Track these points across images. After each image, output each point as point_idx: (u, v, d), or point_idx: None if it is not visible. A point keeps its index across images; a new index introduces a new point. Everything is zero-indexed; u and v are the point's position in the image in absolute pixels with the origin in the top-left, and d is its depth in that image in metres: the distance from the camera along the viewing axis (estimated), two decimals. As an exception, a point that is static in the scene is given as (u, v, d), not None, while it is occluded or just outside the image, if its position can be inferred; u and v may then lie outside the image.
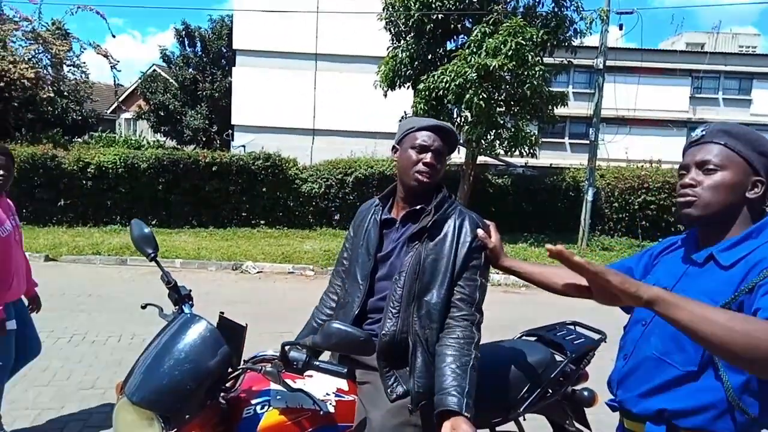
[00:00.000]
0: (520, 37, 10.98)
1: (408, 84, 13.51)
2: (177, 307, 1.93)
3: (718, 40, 30.53)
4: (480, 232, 1.91)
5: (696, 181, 1.43)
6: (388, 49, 13.58)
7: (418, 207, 1.93)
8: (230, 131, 21.79)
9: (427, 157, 1.90)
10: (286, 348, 1.66)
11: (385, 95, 13.67)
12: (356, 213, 2.16)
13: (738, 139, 1.40)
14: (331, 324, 1.58)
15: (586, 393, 2.19)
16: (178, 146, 23.21)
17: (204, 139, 24.17)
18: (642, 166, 14.53)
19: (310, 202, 13.66)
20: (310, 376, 1.84)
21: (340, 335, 1.56)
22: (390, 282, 1.90)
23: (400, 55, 12.88)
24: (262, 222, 13.47)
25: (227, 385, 1.76)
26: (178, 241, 10.90)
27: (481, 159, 13.74)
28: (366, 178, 13.44)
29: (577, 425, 2.30)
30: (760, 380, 1.30)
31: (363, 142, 17.31)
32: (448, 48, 13.54)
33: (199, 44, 24.88)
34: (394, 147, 2.02)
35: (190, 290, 1.98)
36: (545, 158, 16.44)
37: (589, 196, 12.66)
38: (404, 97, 15.17)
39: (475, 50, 11.46)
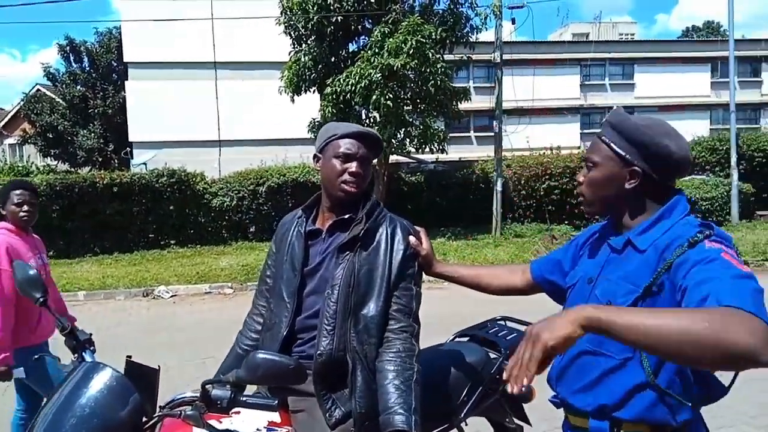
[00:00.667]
0: (420, 35, 11.13)
1: (314, 88, 13.36)
2: (76, 354, 1.72)
3: (601, 29, 32.54)
4: (412, 239, 1.84)
5: (581, 179, 1.51)
6: (290, 53, 13.36)
7: (346, 216, 1.83)
8: (128, 149, 20.66)
9: (353, 166, 1.79)
10: (207, 387, 1.50)
11: (292, 101, 13.44)
12: (278, 227, 2.02)
13: (616, 131, 1.42)
14: (255, 355, 1.44)
15: (523, 388, 2.17)
16: (72, 169, 21.76)
17: (100, 159, 22.77)
18: (543, 153, 15.21)
19: (223, 216, 13.20)
20: (237, 412, 1.68)
21: (266, 366, 1.42)
22: (319, 297, 1.79)
23: (303, 59, 12.71)
24: (173, 242, 12.86)
25: (144, 436, 1.57)
26: (80, 272, 10.15)
27: (393, 158, 13.83)
28: (279, 187, 13.16)
29: (517, 421, 2.28)
30: None
31: (273, 150, 16.94)
32: (350, 50, 13.53)
33: (86, 59, 23.40)
34: (315, 156, 1.91)
35: (91, 334, 1.77)
36: (454, 153, 16.78)
37: (499, 187, 13.06)
38: (312, 102, 15.00)
39: (377, 51, 11.52)
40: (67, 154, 23.08)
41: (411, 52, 11.07)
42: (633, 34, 35.32)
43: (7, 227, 2.93)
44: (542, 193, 14.27)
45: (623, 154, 1.41)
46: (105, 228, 12.15)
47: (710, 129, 24.79)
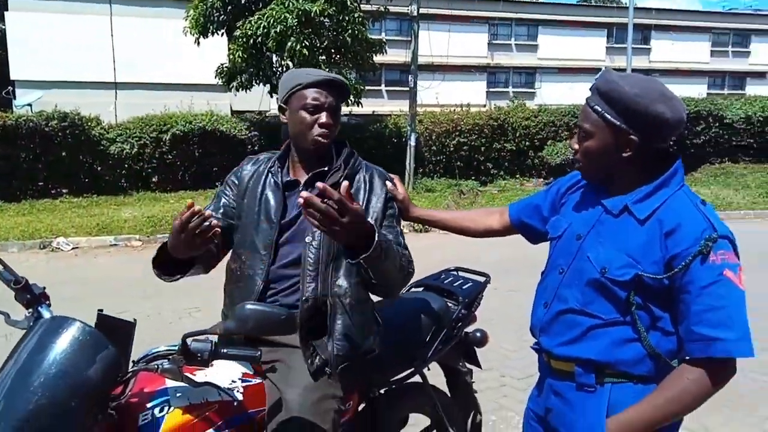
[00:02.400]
0: (338, -18, 10.80)
1: (222, 31, 12.64)
2: (30, 310, 1.57)
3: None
4: (389, 185, 1.85)
5: (576, 147, 1.51)
6: (196, -9, 12.48)
7: (325, 168, 1.78)
8: (10, 88, 18.59)
9: (323, 117, 1.73)
10: (187, 340, 1.43)
11: (197, 43, 12.65)
12: (239, 168, 1.91)
13: (606, 99, 1.40)
14: (245, 306, 1.39)
15: (478, 334, 2.27)
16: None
17: (-26, 98, 20.41)
18: (454, 110, 15.50)
19: (122, 164, 12.34)
20: (211, 365, 1.62)
21: (258, 317, 1.37)
22: (294, 246, 1.75)
23: (210, -1, 11.93)
24: (65, 191, 11.90)
25: (116, 391, 1.48)
26: (-39, 222, 9.20)
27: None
28: (185, 135, 12.47)
29: (468, 365, 2.38)
30: (673, 323, 1.41)
31: (177, 95, 15.90)
32: (262, -9, 12.87)
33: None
34: (280, 107, 1.82)
35: (44, 288, 1.62)
36: (366, 106, 16.69)
37: (412, 141, 13.19)
38: (219, 46, 14.20)
39: (292, -6, 11.04)
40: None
41: (328, -2, 10.74)
42: (538, -4, 36.30)
43: None
44: (452, 149, 14.60)
45: (617, 124, 1.39)
46: (-14, 175, 11.02)
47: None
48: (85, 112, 12.18)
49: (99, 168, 12.16)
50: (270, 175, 1.83)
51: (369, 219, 1.72)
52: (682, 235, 1.35)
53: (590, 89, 1.48)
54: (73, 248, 8.01)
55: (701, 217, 1.37)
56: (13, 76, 18.35)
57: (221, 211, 1.87)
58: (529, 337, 3.73)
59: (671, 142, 1.51)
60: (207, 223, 1.44)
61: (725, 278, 1.32)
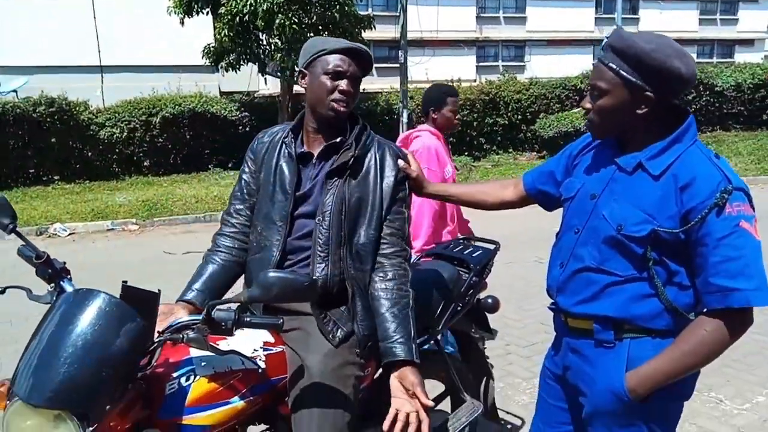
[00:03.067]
0: (324, -43, 10.64)
1: (207, 9, 12.44)
2: (52, 285, 1.57)
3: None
4: (401, 162, 1.82)
5: (588, 106, 1.50)
6: (178, -31, 12.24)
7: (338, 140, 1.77)
8: (-7, 74, 18.29)
9: (343, 83, 1.72)
10: (212, 309, 1.44)
11: (182, 23, 12.46)
12: (254, 141, 1.90)
13: (621, 56, 1.40)
14: (267, 273, 1.39)
15: (490, 300, 2.30)
16: None
17: (-44, 86, 20.02)
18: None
19: (113, 149, 12.27)
20: (233, 334, 1.64)
21: (282, 284, 1.38)
22: (309, 219, 1.74)
23: (194, -24, 11.73)
24: (56, 177, 11.82)
25: (142, 362, 1.50)
26: (-47, 211, 9.10)
27: (296, 88, 13.39)
28: (175, 117, 12.38)
29: (480, 331, 2.41)
30: (689, 277, 1.43)
31: (164, 77, 15.69)
32: (247, -31, 12.64)
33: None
34: (300, 72, 1.80)
35: (65, 262, 1.62)
36: (356, 83, 16.58)
37: (405, 118, 13.15)
38: (206, 25, 14.00)
39: (278, -29, 10.86)
40: None
41: (315, -27, 10.58)
42: (525, -32, 35.88)
43: None
44: (444, 124, 14.55)
45: (634, 80, 1.39)
46: (-26, 162, 10.90)
47: (593, 63, 26.18)
48: (72, 97, 12.05)
49: (89, 153, 12.08)
50: (284, 145, 1.82)
51: (376, 202, 1.76)
52: (697, 189, 1.36)
53: (602, 47, 1.48)
54: (70, 234, 7.97)
55: (716, 170, 1.38)
56: (-4, 63, 18.03)
57: (244, 191, 1.88)
58: (529, 306, 3.82)
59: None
60: None
61: (742, 229, 1.34)
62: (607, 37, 1.49)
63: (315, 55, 1.75)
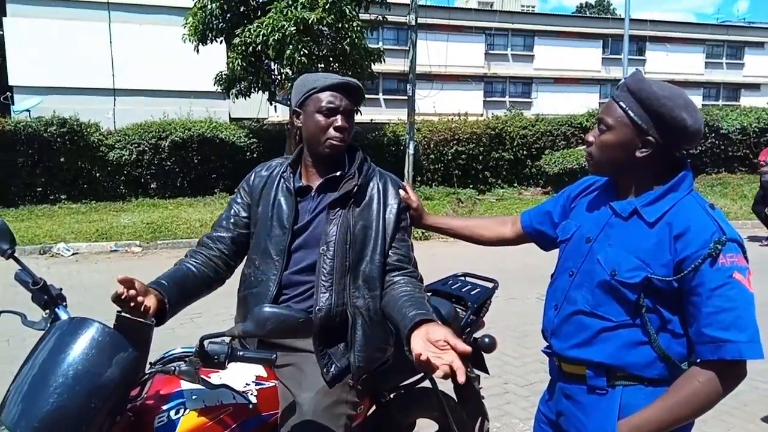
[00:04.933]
0: (336, -10, 10.85)
1: (221, 38, 12.68)
2: (47, 311, 1.57)
3: (504, 0, 33.43)
4: (402, 193, 1.85)
5: (591, 140, 1.52)
6: (195, -1, 12.53)
7: (337, 174, 1.79)
8: (8, 94, 18.58)
9: (338, 120, 1.74)
10: (205, 341, 1.44)
11: (197, 50, 12.68)
12: (252, 175, 1.92)
13: (634, 97, 1.43)
14: (263, 308, 1.40)
15: (487, 340, 2.28)
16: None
17: (-28, 103, 20.36)
18: (451, 119, 15.57)
19: (120, 171, 12.36)
20: (226, 367, 1.63)
21: (276, 320, 1.38)
22: (307, 252, 1.76)
23: (209, 6, 11.97)
24: (63, 197, 11.89)
25: (133, 393, 1.49)
26: (-41, 227, 9.15)
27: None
28: (184, 142, 12.49)
29: (476, 371, 2.39)
30: (682, 326, 1.43)
31: (176, 102, 15.93)
32: (261, 0, 12.93)
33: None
34: (295, 111, 1.83)
35: (61, 289, 1.63)
36: (364, 114, 16.74)
37: (411, 150, 13.23)
38: (218, 53, 14.25)
39: (290, 2, 11.09)
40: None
41: (327, 6, 10.78)
42: (533, 7, 36.68)
43: None
44: (450, 157, 14.64)
45: (639, 122, 1.41)
46: (-16, 180, 11.00)
47: (599, 102, 26.49)
48: (84, 118, 12.20)
49: (97, 174, 12.16)
50: (282, 180, 1.84)
51: (380, 230, 1.76)
52: (691, 238, 1.37)
53: (618, 86, 1.51)
54: (73, 254, 7.99)
55: (710, 220, 1.39)
56: (11, 82, 18.37)
57: (231, 221, 1.88)
58: (529, 344, 3.78)
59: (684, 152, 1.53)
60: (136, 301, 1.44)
61: (735, 280, 1.34)
62: (626, 77, 1.52)
63: (307, 94, 1.77)
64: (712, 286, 1.34)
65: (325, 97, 1.75)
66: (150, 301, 1.49)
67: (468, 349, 1.40)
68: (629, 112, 1.43)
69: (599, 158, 1.50)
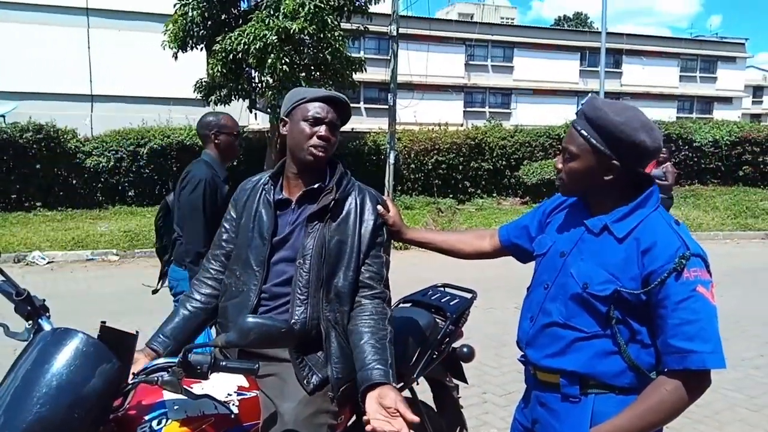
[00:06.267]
0: (318, 0, 10.90)
1: (201, 45, 12.65)
2: (30, 322, 1.58)
3: (484, 11, 33.85)
4: (380, 208, 1.88)
5: (560, 167, 1.59)
6: (175, 6, 12.48)
7: (316, 186, 1.82)
8: (-18, 99, 18.27)
9: (322, 129, 1.79)
10: (188, 352, 1.46)
11: (175, 57, 12.63)
12: (238, 190, 1.96)
13: (592, 125, 1.49)
14: (246, 319, 1.42)
15: (465, 350, 2.32)
16: None
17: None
18: (432, 129, 15.70)
19: (98, 178, 12.23)
20: (208, 378, 1.65)
21: (259, 330, 1.41)
22: (287, 265, 1.78)
23: (190, 14, 11.94)
24: (38, 204, 11.72)
25: (115, 403, 1.50)
26: (-70, 234, 8.98)
27: (285, 125, 13.53)
28: (162, 149, 12.42)
29: (455, 380, 2.43)
30: (651, 337, 1.49)
31: (155, 109, 15.81)
32: (242, 8, 12.94)
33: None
34: (281, 120, 1.87)
35: (44, 299, 1.63)
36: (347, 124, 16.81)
37: (392, 159, 13.31)
38: (197, 60, 14.20)
39: (272, 12, 11.12)
40: None
41: (309, 16, 10.83)
42: (513, 19, 37.17)
43: None
44: (430, 167, 14.76)
45: (601, 149, 1.47)
46: (-44, 186, 10.79)
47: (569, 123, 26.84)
48: (61, 125, 12.06)
49: (74, 181, 12.02)
50: (264, 192, 1.87)
51: (355, 245, 1.80)
52: (657, 253, 1.44)
53: (576, 113, 1.57)
54: (48, 262, 7.87)
55: (675, 236, 1.46)
56: (-15, 87, 18.05)
57: (223, 237, 1.93)
58: (507, 354, 3.85)
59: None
60: None
61: (698, 294, 1.41)
62: (582, 104, 1.57)
63: (296, 104, 1.82)
64: (676, 299, 1.41)
65: (313, 107, 1.80)
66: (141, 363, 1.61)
67: (416, 418, 1.50)
68: (591, 140, 1.49)
69: (569, 184, 1.58)
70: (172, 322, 1.86)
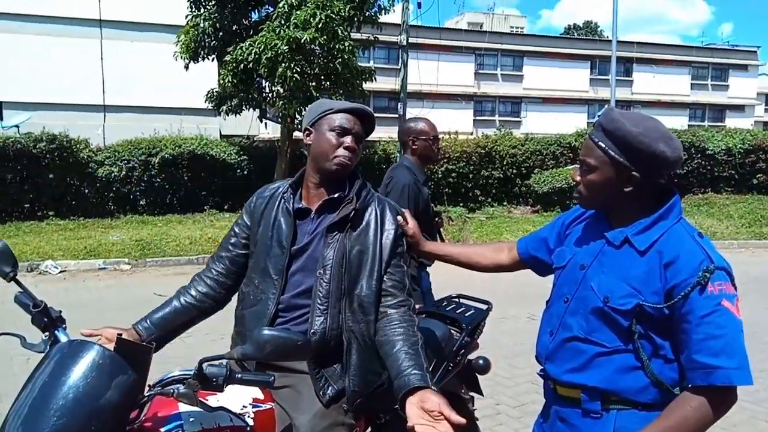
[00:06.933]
0: (329, 11, 10.98)
1: (213, 56, 12.77)
2: (47, 333, 1.58)
3: (494, 20, 33.93)
4: (400, 219, 1.88)
5: (578, 179, 1.56)
6: (187, 17, 12.63)
7: (336, 195, 1.81)
8: (-3, 109, 18.51)
9: (348, 140, 1.79)
10: (204, 364, 1.45)
11: (187, 68, 12.76)
12: (254, 197, 1.95)
13: (610, 137, 1.47)
14: (262, 331, 1.41)
15: (481, 361, 2.30)
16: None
17: (-42, 118, 20.20)
18: (441, 137, 15.65)
19: (110, 187, 12.30)
20: (223, 390, 1.64)
21: (275, 342, 1.40)
22: (305, 276, 1.78)
23: (202, 24, 12.07)
24: (51, 213, 11.79)
25: (131, 415, 1.49)
26: (-55, 243, 9.05)
27: (296, 134, 13.60)
28: (174, 159, 12.47)
29: (470, 393, 2.41)
30: (674, 351, 1.46)
31: (166, 119, 15.92)
32: (253, 19, 13.05)
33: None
34: (306, 129, 1.87)
35: (60, 311, 1.63)
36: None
37: (401, 168, 13.28)
38: (209, 70, 14.32)
39: (283, 22, 11.20)
40: None
41: (320, 26, 10.90)
42: (522, 28, 37.22)
43: None
44: (440, 175, 14.73)
45: (620, 160, 1.45)
46: (-30, 195, 10.90)
47: (587, 122, 26.82)
48: (74, 135, 12.15)
49: (86, 191, 12.10)
50: (283, 200, 1.87)
51: (377, 255, 1.79)
52: (680, 266, 1.41)
53: (594, 125, 1.55)
54: (61, 271, 7.93)
55: (699, 249, 1.43)
56: (0, 98, 18.27)
57: (231, 241, 1.93)
58: (521, 364, 3.81)
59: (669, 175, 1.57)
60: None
61: (723, 308, 1.38)
62: (599, 116, 1.56)
63: (322, 114, 1.82)
64: (701, 313, 1.37)
65: (339, 118, 1.80)
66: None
67: (462, 420, 1.44)
68: (609, 152, 1.46)
69: (588, 197, 1.55)
70: (162, 310, 1.88)
